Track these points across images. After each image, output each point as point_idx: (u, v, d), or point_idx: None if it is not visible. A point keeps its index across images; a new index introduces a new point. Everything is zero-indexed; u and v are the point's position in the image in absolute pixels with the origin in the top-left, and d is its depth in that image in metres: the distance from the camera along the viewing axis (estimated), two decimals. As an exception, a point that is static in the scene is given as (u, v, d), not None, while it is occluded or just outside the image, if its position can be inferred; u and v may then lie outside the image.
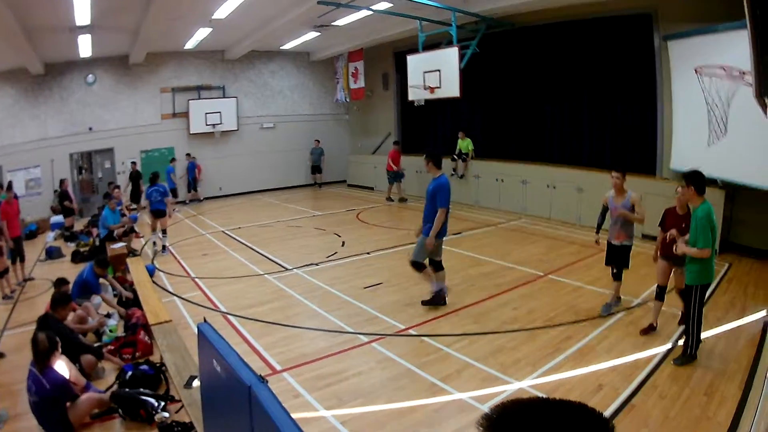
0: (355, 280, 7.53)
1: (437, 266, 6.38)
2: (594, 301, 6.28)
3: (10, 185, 8.78)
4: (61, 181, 13.08)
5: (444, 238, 6.34)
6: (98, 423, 4.13)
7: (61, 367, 4.01)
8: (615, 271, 5.95)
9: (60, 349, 4.04)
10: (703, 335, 5.17)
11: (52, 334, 4.08)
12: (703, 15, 8.09)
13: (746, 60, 3.27)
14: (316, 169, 18.02)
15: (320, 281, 7.39)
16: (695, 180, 4.46)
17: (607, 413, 3.83)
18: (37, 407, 3.86)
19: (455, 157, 13.22)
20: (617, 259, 5.89)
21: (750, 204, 8.03)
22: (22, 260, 8.39)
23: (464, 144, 13.11)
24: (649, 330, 5.32)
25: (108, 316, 6.35)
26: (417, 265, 6.30)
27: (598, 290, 6.68)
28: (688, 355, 4.70)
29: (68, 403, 3.92)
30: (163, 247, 9.72)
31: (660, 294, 5.36)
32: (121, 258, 8.06)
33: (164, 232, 9.76)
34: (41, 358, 3.89)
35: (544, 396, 0.69)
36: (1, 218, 7.90)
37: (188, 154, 15.66)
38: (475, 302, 6.46)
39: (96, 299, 6.57)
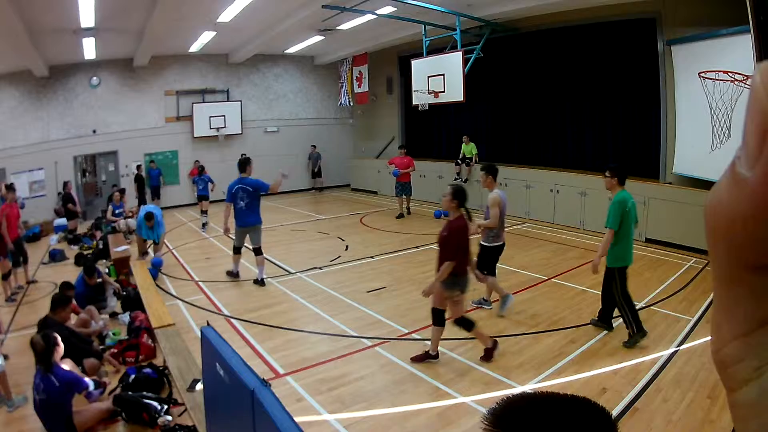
0: (358, 284, 7.53)
1: (235, 250, 7.83)
2: (597, 305, 6.26)
3: (11, 187, 8.69)
4: (65, 184, 13.14)
5: (241, 228, 7.56)
6: (101, 426, 4.12)
7: (66, 365, 4.03)
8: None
9: (60, 344, 4.03)
10: (707, 338, 5.17)
11: (49, 331, 4.08)
12: (707, 20, 8.09)
13: (749, 64, 3.28)
14: (315, 173, 18.05)
15: (324, 285, 7.39)
16: (619, 172, 5.03)
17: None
18: (44, 405, 3.85)
19: (459, 161, 13.21)
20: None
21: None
22: (26, 262, 8.40)
23: (468, 148, 13.09)
24: (425, 357, 4.92)
25: (114, 315, 6.37)
26: (234, 249, 7.84)
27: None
28: (634, 334, 5.01)
29: (74, 409, 3.93)
30: (203, 224, 12.09)
31: (439, 319, 4.86)
32: (124, 261, 8.09)
33: (205, 212, 12.15)
34: (43, 358, 3.89)
35: (548, 391, 0.69)
36: (4, 220, 7.91)
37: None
38: (479, 306, 6.45)
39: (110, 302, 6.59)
